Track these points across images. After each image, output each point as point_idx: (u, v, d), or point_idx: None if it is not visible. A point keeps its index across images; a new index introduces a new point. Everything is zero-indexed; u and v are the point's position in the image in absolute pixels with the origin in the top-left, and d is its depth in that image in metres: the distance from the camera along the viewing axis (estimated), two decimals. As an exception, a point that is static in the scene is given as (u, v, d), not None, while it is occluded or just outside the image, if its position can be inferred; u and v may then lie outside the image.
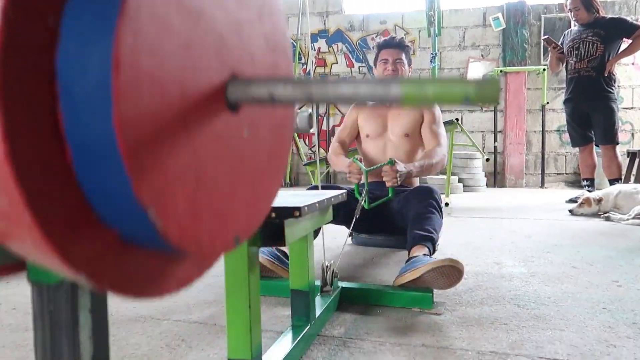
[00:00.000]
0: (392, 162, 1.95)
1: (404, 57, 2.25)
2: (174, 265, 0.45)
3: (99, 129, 0.33)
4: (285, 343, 1.03)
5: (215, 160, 0.44)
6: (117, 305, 1.44)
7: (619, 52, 3.98)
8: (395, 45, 2.25)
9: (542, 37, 4.52)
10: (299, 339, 1.06)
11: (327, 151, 6.85)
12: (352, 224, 1.78)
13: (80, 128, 0.33)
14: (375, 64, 2.32)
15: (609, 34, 3.93)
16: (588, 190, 4.02)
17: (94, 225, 0.36)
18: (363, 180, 1.95)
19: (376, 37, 7.15)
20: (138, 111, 0.34)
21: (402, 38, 2.28)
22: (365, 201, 1.91)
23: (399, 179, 1.94)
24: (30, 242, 0.33)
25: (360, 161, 2.05)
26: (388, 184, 1.96)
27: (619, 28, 3.93)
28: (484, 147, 6.74)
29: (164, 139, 0.37)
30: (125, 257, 0.39)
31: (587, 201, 3.39)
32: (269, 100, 0.44)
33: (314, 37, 7.39)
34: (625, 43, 4.00)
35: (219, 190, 0.45)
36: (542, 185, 6.35)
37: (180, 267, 0.46)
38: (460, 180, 5.71)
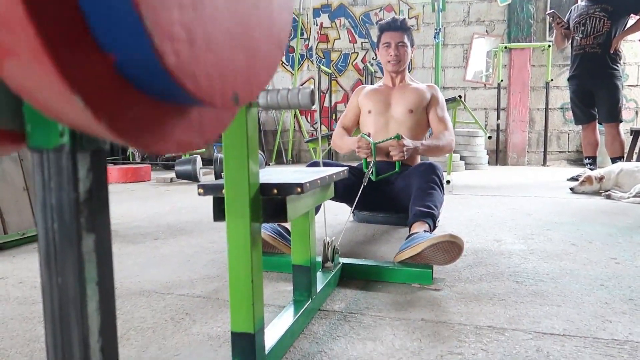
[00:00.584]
0: (399, 137, 2.02)
1: (406, 39, 2.23)
2: (173, 121, 0.44)
3: None
4: (286, 317, 1.05)
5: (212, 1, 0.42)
6: (122, 280, 1.47)
7: (626, 28, 3.92)
8: (397, 28, 2.22)
9: (547, 12, 4.45)
10: (300, 313, 1.08)
11: (329, 128, 6.82)
12: (359, 193, 1.83)
13: None
14: (377, 46, 2.31)
15: (616, 9, 3.86)
16: (590, 169, 4.02)
17: (91, 46, 0.35)
18: (371, 158, 2.05)
19: (379, 12, 7.04)
20: None
21: (404, 19, 2.25)
22: (372, 173, 2.02)
23: (405, 153, 2.01)
24: (28, 55, 0.31)
25: (369, 136, 2.09)
26: (395, 158, 2.03)
27: (626, 3, 3.86)
28: (486, 125, 6.71)
29: None
30: (123, 93, 0.38)
31: (588, 179, 3.39)
32: None
33: (316, 12, 7.28)
34: (632, 19, 3.94)
35: (216, 32, 0.42)
36: (544, 163, 6.35)
37: (180, 126, 0.45)
38: (462, 158, 5.70)
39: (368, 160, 2.09)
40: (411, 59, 2.40)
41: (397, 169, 2.08)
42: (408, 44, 2.25)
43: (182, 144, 0.45)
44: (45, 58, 0.31)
